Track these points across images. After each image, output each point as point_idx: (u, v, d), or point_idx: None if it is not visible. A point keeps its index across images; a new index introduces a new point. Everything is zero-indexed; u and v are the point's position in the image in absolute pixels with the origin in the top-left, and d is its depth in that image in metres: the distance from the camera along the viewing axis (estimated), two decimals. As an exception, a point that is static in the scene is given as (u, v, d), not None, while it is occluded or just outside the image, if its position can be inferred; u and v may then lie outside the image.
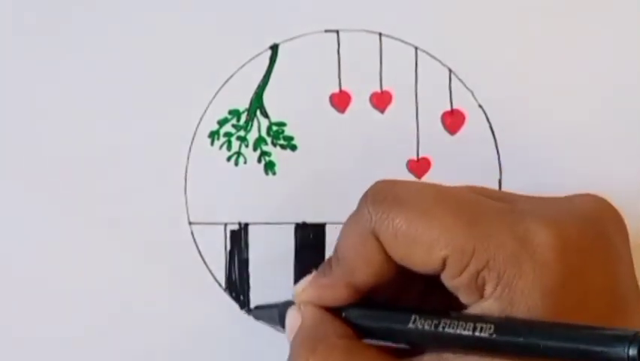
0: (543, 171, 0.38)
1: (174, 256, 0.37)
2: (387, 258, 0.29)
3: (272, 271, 0.37)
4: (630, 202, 0.38)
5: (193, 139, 0.37)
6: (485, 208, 0.28)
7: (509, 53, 0.38)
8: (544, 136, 0.38)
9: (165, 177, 0.37)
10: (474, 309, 0.27)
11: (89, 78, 0.37)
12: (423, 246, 0.27)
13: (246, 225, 0.37)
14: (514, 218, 0.28)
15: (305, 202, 0.37)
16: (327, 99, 0.38)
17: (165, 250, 0.37)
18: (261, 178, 0.38)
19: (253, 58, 0.38)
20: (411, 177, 0.38)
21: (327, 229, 0.37)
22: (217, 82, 0.38)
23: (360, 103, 0.38)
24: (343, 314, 0.31)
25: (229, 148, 0.38)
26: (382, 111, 0.38)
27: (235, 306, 0.37)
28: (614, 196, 0.38)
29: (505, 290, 0.26)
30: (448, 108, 0.38)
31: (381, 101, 0.38)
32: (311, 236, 0.37)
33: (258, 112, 0.38)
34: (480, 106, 0.38)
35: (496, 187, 0.38)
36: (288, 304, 0.33)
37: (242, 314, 0.37)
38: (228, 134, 0.38)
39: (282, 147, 0.38)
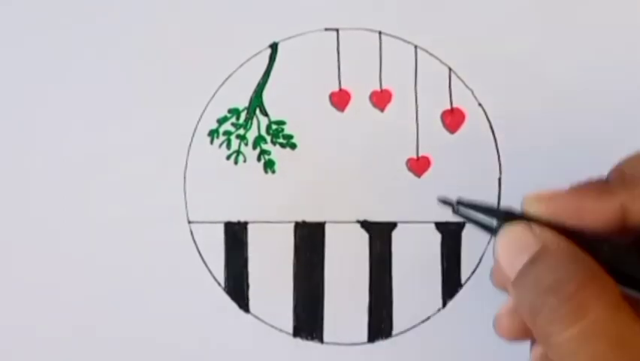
0: (543, 170, 0.38)
1: (173, 254, 0.37)
2: None
3: (271, 270, 0.37)
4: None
5: (192, 138, 0.37)
6: None
7: (509, 52, 0.38)
8: (543, 135, 0.38)
9: (164, 176, 0.37)
10: None
11: (88, 78, 0.37)
12: None
13: (246, 223, 0.37)
14: None
15: (304, 201, 0.37)
16: (326, 98, 0.38)
17: (164, 248, 0.37)
18: (260, 177, 0.38)
19: (253, 56, 0.38)
20: (410, 176, 0.38)
21: (327, 227, 0.37)
22: (217, 80, 0.38)
23: (359, 102, 0.38)
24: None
25: (228, 147, 0.38)
26: (382, 110, 0.38)
27: (234, 305, 0.37)
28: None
29: None
30: (448, 107, 0.38)
31: (380, 99, 0.38)
32: (310, 235, 0.37)
33: (258, 110, 0.38)
34: (480, 105, 0.38)
35: (496, 186, 0.38)
36: (509, 215, 0.27)
37: (241, 313, 0.37)
38: (228, 133, 0.38)
39: (282, 145, 0.38)
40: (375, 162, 0.38)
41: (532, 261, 0.25)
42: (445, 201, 0.30)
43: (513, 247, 0.26)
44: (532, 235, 0.25)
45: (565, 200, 0.26)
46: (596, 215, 0.25)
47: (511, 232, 0.26)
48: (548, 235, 0.25)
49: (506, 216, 0.27)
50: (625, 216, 0.25)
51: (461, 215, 0.30)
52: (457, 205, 0.30)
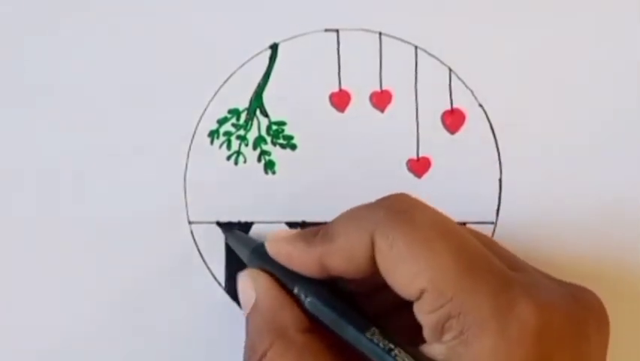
0: (543, 171, 0.38)
1: (174, 255, 0.37)
2: (372, 263, 0.29)
3: (272, 271, 0.37)
4: (630, 201, 0.38)
5: (193, 138, 0.37)
6: (483, 264, 0.28)
7: (509, 52, 0.38)
8: (544, 135, 0.38)
9: (165, 176, 0.37)
10: (425, 348, 0.28)
11: (88, 77, 0.37)
12: (409, 271, 0.27)
13: (246, 224, 0.37)
14: (505, 285, 0.27)
15: (305, 202, 0.37)
16: (326, 98, 0.38)
17: (165, 249, 0.37)
18: (260, 177, 0.37)
19: (253, 57, 0.38)
20: (411, 177, 0.38)
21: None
22: (217, 81, 0.38)
23: (360, 102, 0.38)
24: (295, 290, 0.31)
25: (229, 147, 0.38)
26: (382, 111, 0.38)
27: (235, 305, 0.37)
28: (614, 196, 0.38)
29: (459, 346, 0.26)
30: (448, 107, 0.38)
31: (381, 100, 0.38)
32: (311, 236, 0.37)
33: (258, 111, 0.38)
34: (480, 105, 0.38)
35: (497, 187, 0.38)
36: (258, 249, 0.33)
37: (242, 314, 0.37)
38: (228, 134, 0.38)
39: (282, 146, 0.38)
40: (376, 162, 0.38)
41: (246, 318, 0.32)
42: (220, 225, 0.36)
43: (240, 293, 0.33)
44: (251, 286, 0.32)
45: (283, 243, 0.31)
46: (302, 263, 0.30)
47: (240, 279, 0.32)
48: (262, 291, 0.31)
49: (252, 251, 0.33)
50: (324, 268, 0.30)
51: (230, 243, 0.36)
52: (224, 232, 0.37)
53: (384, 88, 0.38)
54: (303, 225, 0.37)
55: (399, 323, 0.30)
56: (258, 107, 0.38)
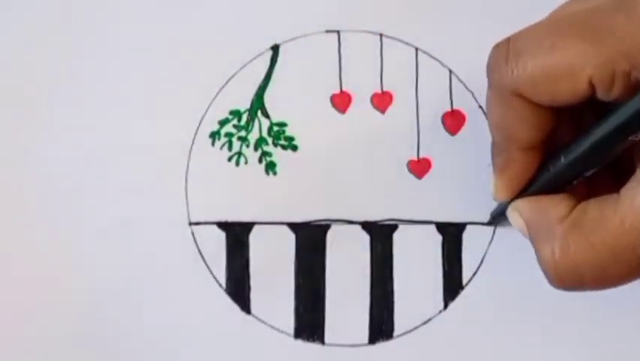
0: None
1: (175, 256, 0.37)
2: (536, 106, 0.28)
3: (273, 272, 0.37)
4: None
5: (194, 139, 0.38)
6: (596, 14, 0.27)
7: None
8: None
9: (166, 178, 0.37)
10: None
11: (90, 78, 0.38)
12: (564, 78, 0.27)
13: (247, 225, 0.37)
14: (624, 3, 0.26)
15: (306, 203, 0.37)
16: (328, 100, 0.38)
17: (166, 250, 0.37)
18: (261, 178, 0.38)
19: (254, 58, 0.38)
20: (411, 178, 0.38)
21: (328, 229, 0.37)
22: (218, 82, 0.38)
23: (360, 103, 0.38)
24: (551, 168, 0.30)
25: (230, 148, 0.38)
26: (383, 112, 0.38)
27: (235, 307, 0.37)
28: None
29: None
30: (449, 109, 0.38)
31: (381, 101, 0.38)
32: (312, 236, 0.37)
33: (259, 112, 0.38)
34: (480, 107, 0.38)
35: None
36: (500, 208, 0.34)
37: (242, 315, 0.37)
38: (229, 135, 0.38)
39: (283, 147, 0.38)
40: (376, 163, 0.38)
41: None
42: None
43: (513, 223, 0.32)
44: (515, 212, 0.32)
45: (499, 179, 0.32)
46: (513, 170, 0.31)
47: (508, 215, 0.33)
48: (523, 210, 0.31)
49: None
50: (527, 150, 0.31)
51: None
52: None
53: (385, 89, 0.38)
54: (303, 226, 0.37)
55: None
56: (259, 108, 0.38)
